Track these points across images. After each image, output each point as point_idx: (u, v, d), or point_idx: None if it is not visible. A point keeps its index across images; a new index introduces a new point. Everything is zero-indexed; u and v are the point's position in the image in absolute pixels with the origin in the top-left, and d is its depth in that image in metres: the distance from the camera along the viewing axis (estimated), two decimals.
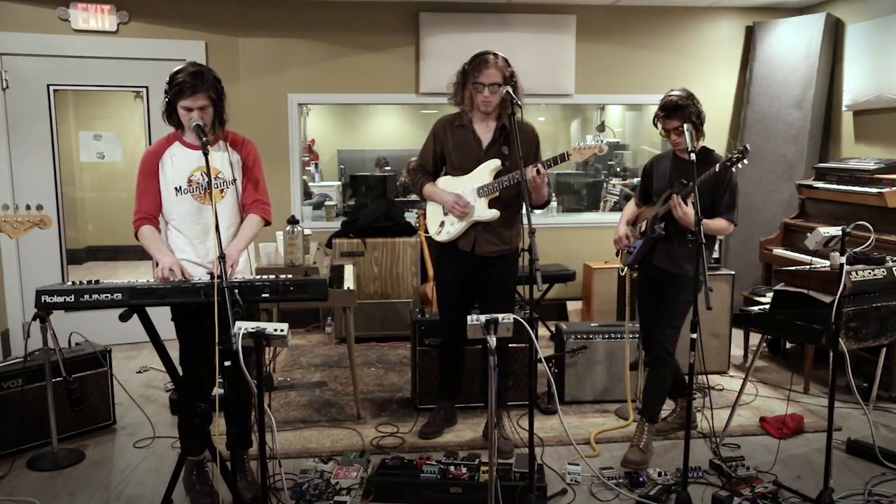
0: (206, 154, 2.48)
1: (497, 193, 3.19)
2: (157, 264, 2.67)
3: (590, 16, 5.55)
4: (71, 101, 5.27)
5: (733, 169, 2.96)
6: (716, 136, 5.49)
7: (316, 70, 5.40)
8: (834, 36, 5.28)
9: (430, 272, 5.25)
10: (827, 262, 3.02)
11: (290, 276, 2.63)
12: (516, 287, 3.62)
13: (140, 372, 4.49)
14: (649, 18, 5.63)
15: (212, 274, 2.38)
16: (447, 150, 3.34)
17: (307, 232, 4.01)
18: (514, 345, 3.48)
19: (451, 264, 3.36)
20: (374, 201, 5.64)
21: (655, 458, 3.30)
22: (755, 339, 4.59)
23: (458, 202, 3.21)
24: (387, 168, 8.23)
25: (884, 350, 3.69)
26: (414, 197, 7.45)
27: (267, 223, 2.91)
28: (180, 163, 2.77)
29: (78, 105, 5.40)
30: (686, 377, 3.23)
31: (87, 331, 3.67)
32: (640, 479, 2.99)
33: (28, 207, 3.06)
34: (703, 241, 2.68)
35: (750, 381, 3.80)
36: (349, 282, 3.84)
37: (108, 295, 2.43)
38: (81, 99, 5.37)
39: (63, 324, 3.72)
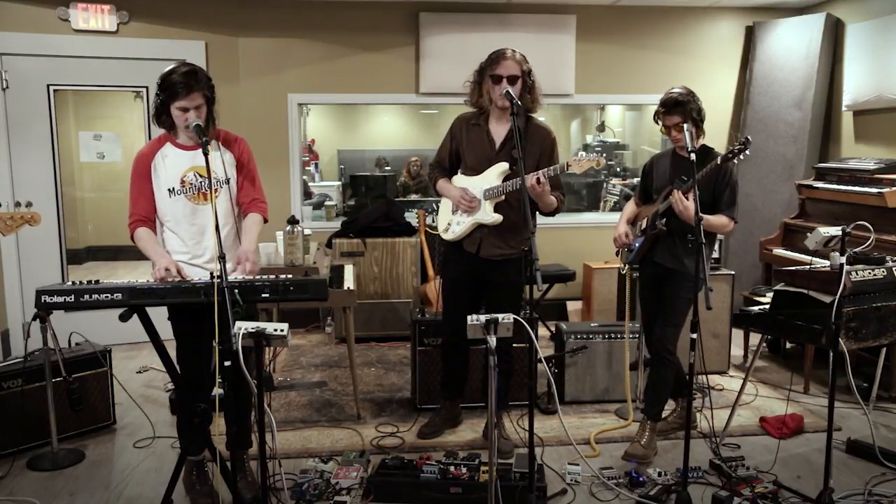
0: (205, 154, 2.47)
1: (503, 197, 3.18)
2: (155, 265, 2.67)
3: (590, 16, 5.55)
4: (71, 101, 5.28)
5: (734, 161, 2.96)
6: (716, 137, 5.49)
7: (316, 70, 5.40)
8: (834, 36, 5.28)
9: (430, 272, 5.25)
10: (827, 262, 3.02)
11: (290, 276, 2.63)
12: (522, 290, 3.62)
13: (140, 372, 4.49)
14: (649, 18, 5.63)
15: (212, 273, 2.38)
16: (462, 149, 3.33)
17: (307, 232, 4.01)
18: (514, 345, 3.47)
19: (456, 264, 3.36)
20: (374, 201, 5.64)
21: (655, 457, 3.30)
22: (755, 339, 4.58)
23: (465, 196, 3.21)
24: (387, 168, 8.24)
25: (884, 350, 3.69)
26: (414, 197, 7.47)
27: (265, 221, 2.91)
28: (173, 164, 2.76)
29: (78, 105, 5.40)
30: (686, 377, 3.24)
31: (87, 331, 3.67)
32: (640, 479, 2.99)
33: (18, 204, 3.05)
34: (703, 240, 2.68)
35: (750, 381, 3.80)
36: (349, 282, 3.84)
37: (108, 295, 2.43)
38: (81, 99, 5.37)
39: (63, 324, 3.72)
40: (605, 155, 3.11)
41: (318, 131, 8.68)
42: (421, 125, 9.10)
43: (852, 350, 3.18)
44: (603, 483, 3.01)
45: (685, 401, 3.11)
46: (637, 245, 3.40)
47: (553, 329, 4.37)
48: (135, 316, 2.52)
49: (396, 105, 7.90)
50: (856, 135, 5.20)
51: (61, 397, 3.36)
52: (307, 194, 6.53)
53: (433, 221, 5.50)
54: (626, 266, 3.55)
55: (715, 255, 4.38)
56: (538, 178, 3.03)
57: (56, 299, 2.40)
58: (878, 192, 4.13)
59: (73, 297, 2.41)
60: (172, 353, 2.78)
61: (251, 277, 2.59)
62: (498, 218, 3.19)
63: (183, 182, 2.76)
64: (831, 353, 2.80)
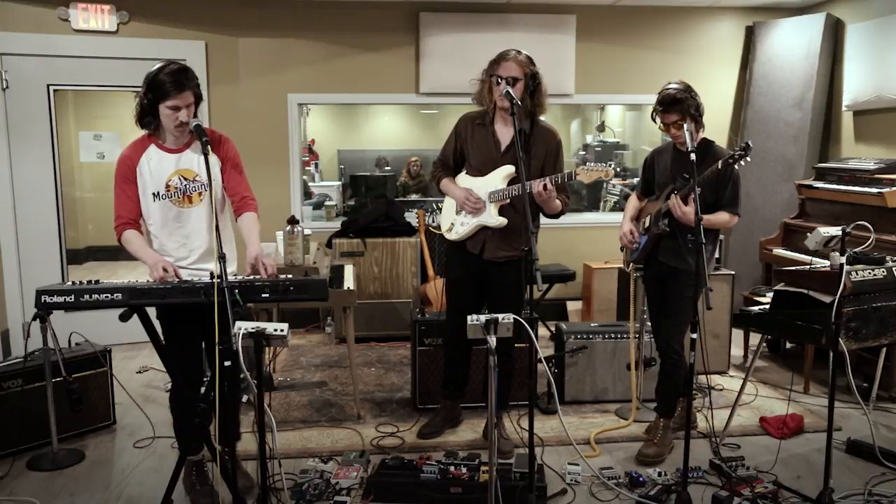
0: (206, 154, 2.47)
1: (507, 200, 3.17)
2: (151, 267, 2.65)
3: (590, 16, 5.55)
4: (71, 101, 5.28)
5: (736, 167, 2.96)
6: (716, 137, 5.45)
7: (316, 70, 5.40)
8: (834, 36, 5.28)
9: (430, 272, 5.25)
10: (827, 262, 3.03)
11: (290, 276, 2.63)
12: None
13: (140, 372, 4.49)
14: (649, 18, 5.63)
15: (212, 273, 2.38)
16: (467, 148, 3.31)
17: (307, 232, 4.01)
18: (515, 345, 3.47)
19: (459, 264, 3.35)
20: (374, 201, 5.64)
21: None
22: (755, 339, 4.58)
23: (470, 197, 3.20)
24: (387, 168, 8.24)
25: (884, 350, 3.69)
26: (414, 197, 7.47)
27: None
28: (157, 167, 2.71)
29: (78, 105, 5.40)
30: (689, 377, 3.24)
31: (87, 331, 3.67)
32: (641, 479, 2.99)
33: None
34: (703, 241, 2.68)
35: (750, 381, 3.81)
36: (349, 282, 3.84)
37: (108, 295, 2.43)
38: (81, 99, 5.37)
39: (63, 324, 3.72)
40: (612, 165, 3.07)
41: (318, 131, 8.68)
42: (421, 125, 9.10)
43: (852, 350, 3.18)
44: (603, 483, 3.01)
45: (685, 401, 3.11)
46: (641, 243, 3.40)
47: (553, 329, 4.37)
48: (135, 316, 2.52)
49: (396, 105, 7.90)
50: (856, 135, 5.20)
51: (61, 397, 3.36)
52: (307, 194, 6.53)
53: (433, 221, 5.50)
54: (630, 264, 3.54)
55: (715, 254, 4.38)
56: (545, 185, 3.01)
57: (56, 299, 2.40)
58: (878, 192, 4.13)
59: (73, 297, 2.41)
60: None
61: (251, 277, 2.59)
62: (503, 221, 3.17)
63: (168, 186, 2.72)
64: (831, 353, 2.80)
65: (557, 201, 3.14)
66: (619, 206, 6.65)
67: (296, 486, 2.90)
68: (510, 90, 2.94)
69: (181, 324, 2.73)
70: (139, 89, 2.74)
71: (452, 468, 2.90)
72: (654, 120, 3.27)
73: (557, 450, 3.37)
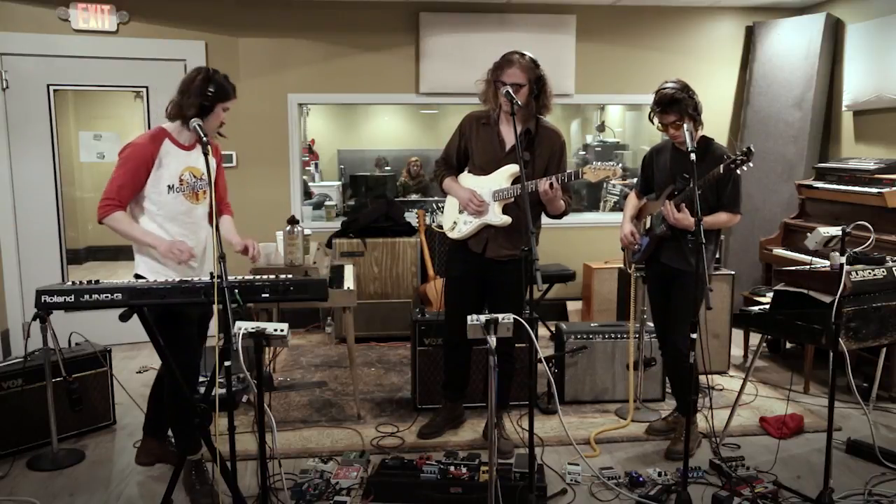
0: (206, 154, 2.53)
1: (512, 199, 3.16)
2: (152, 248, 2.77)
3: (590, 16, 5.55)
4: (71, 101, 5.28)
5: (738, 172, 2.93)
6: (715, 137, 5.46)
7: (316, 70, 5.40)
8: (834, 36, 5.28)
9: (430, 272, 5.25)
10: (827, 262, 3.02)
11: (290, 276, 2.63)
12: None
13: (140, 372, 4.49)
14: (649, 18, 5.63)
15: (212, 273, 2.39)
16: (471, 147, 3.30)
17: (307, 232, 4.00)
18: (515, 345, 3.47)
19: (461, 263, 3.34)
20: (374, 201, 5.64)
21: (655, 457, 3.30)
22: (755, 339, 4.58)
23: (474, 199, 3.19)
24: (387, 168, 8.24)
25: (884, 350, 3.69)
26: (414, 197, 7.47)
27: None
28: (173, 161, 2.81)
29: (78, 105, 5.40)
30: (680, 376, 3.24)
31: (87, 331, 3.67)
32: (641, 479, 2.99)
33: None
34: (703, 241, 2.67)
35: (750, 381, 3.81)
36: (349, 282, 3.85)
37: (108, 295, 2.43)
38: (81, 99, 5.37)
39: (63, 324, 3.72)
40: (621, 165, 3.06)
41: (318, 131, 8.68)
42: (421, 125, 9.09)
43: (852, 350, 3.18)
44: (603, 483, 3.01)
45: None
46: (643, 245, 3.39)
47: (553, 329, 4.37)
48: (135, 316, 2.52)
49: (396, 105, 7.90)
50: (856, 135, 5.20)
51: (61, 397, 3.36)
52: (307, 194, 6.53)
53: (433, 221, 5.50)
54: (632, 266, 3.53)
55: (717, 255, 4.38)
56: (551, 184, 3.01)
57: (56, 299, 2.40)
58: (878, 192, 4.13)
59: (73, 297, 2.41)
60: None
61: (251, 277, 2.60)
62: (507, 220, 3.17)
63: (181, 180, 2.82)
64: (831, 353, 2.80)
65: (561, 201, 3.14)
66: (619, 206, 6.65)
67: (296, 486, 2.90)
68: (510, 90, 2.93)
69: (182, 321, 2.78)
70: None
71: (452, 468, 2.90)
72: (651, 121, 3.25)
73: (557, 450, 3.37)
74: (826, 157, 5.43)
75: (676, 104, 3.06)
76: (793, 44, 5.36)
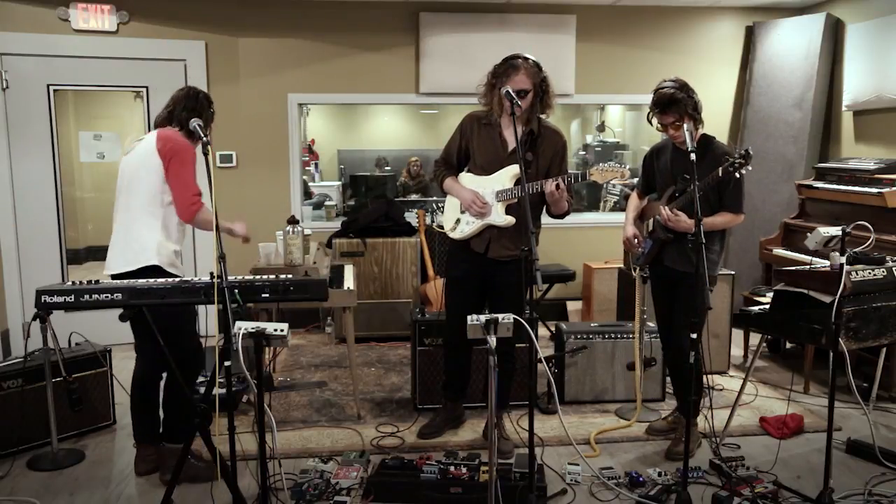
0: (206, 154, 2.52)
1: (515, 200, 3.14)
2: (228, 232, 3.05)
3: (590, 16, 5.55)
4: (71, 101, 5.27)
5: (737, 175, 2.91)
6: (716, 137, 5.49)
7: (316, 70, 5.40)
8: (834, 36, 5.28)
9: (430, 272, 5.25)
10: (827, 262, 3.02)
11: (290, 276, 2.63)
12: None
13: None
14: (649, 18, 5.63)
15: (212, 273, 2.39)
16: (472, 147, 3.29)
17: (307, 232, 4.01)
18: (516, 345, 3.47)
19: (462, 263, 3.33)
20: (375, 201, 5.64)
21: (655, 458, 3.30)
22: (755, 339, 4.59)
23: (477, 201, 3.18)
24: (387, 168, 8.24)
25: (884, 350, 3.69)
26: (414, 197, 7.47)
27: None
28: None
29: (78, 105, 5.40)
30: (684, 378, 3.24)
31: (87, 331, 3.67)
32: (640, 479, 2.99)
33: None
34: (703, 240, 2.67)
35: (750, 381, 3.81)
36: (349, 282, 3.85)
37: (108, 295, 2.43)
38: (81, 99, 5.37)
39: (63, 324, 3.72)
40: (628, 167, 3.04)
41: (318, 131, 8.68)
42: (421, 125, 9.09)
43: (852, 350, 3.18)
44: (603, 483, 3.01)
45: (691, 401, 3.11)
46: (647, 248, 3.36)
47: (553, 329, 4.37)
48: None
49: (396, 105, 7.90)
50: (856, 135, 5.20)
51: (61, 397, 3.36)
52: (307, 194, 6.53)
53: (433, 221, 5.50)
54: (636, 268, 3.52)
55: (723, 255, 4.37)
56: (557, 185, 3.00)
57: (56, 299, 2.41)
58: (878, 192, 4.13)
59: (73, 297, 2.41)
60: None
61: (251, 277, 2.60)
62: (511, 220, 3.16)
63: None
64: (831, 353, 2.80)
65: (565, 202, 3.14)
66: (619, 206, 6.65)
67: (296, 486, 2.90)
68: (510, 90, 2.93)
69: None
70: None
71: (452, 468, 2.90)
72: (650, 122, 3.22)
73: (557, 450, 3.37)
74: (826, 157, 5.43)
75: (675, 104, 3.03)
76: (793, 44, 5.36)
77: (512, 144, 3.18)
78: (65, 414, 3.41)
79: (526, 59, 3.09)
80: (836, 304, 2.74)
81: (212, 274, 2.40)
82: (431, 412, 3.67)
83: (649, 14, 5.62)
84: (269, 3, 5.26)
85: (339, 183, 7.76)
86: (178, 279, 2.59)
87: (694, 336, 2.74)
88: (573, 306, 5.71)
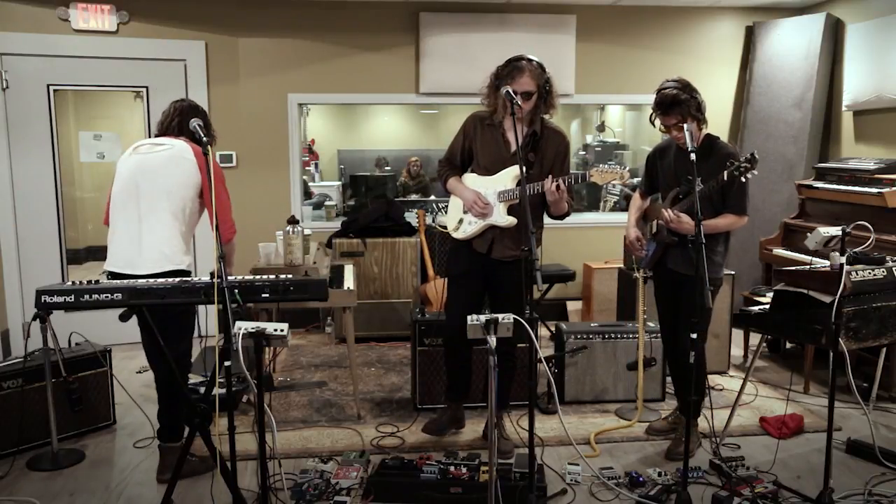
0: (206, 154, 2.52)
1: (517, 200, 3.14)
2: None
3: (590, 16, 5.55)
4: (71, 101, 5.27)
5: (742, 179, 2.89)
6: None
7: (316, 70, 5.40)
8: (834, 36, 5.28)
9: (430, 272, 5.25)
10: (827, 262, 3.02)
11: (290, 276, 2.63)
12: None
13: (140, 372, 4.49)
14: (649, 18, 5.63)
15: (212, 273, 2.39)
16: (475, 147, 3.28)
17: (307, 232, 4.01)
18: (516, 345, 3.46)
19: (464, 261, 3.32)
20: (375, 201, 5.64)
21: (655, 458, 3.30)
22: (755, 339, 4.59)
23: (478, 201, 3.17)
24: (387, 168, 8.25)
25: (884, 350, 3.69)
26: (414, 197, 7.48)
27: None
28: None
29: (78, 105, 5.40)
30: (684, 377, 3.24)
31: (87, 331, 3.67)
32: (641, 479, 2.99)
33: None
34: (703, 241, 2.66)
35: (750, 381, 3.81)
36: (349, 282, 3.85)
37: (108, 295, 2.43)
38: (81, 99, 5.37)
39: (63, 324, 3.72)
40: (628, 168, 3.03)
41: (318, 131, 8.69)
42: (421, 125, 9.11)
43: (852, 350, 3.18)
44: (603, 483, 3.01)
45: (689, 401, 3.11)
46: (650, 251, 3.35)
47: (553, 329, 4.37)
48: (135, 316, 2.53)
49: (396, 105, 7.90)
50: (856, 135, 5.20)
51: (61, 397, 3.36)
52: (307, 194, 6.53)
53: (433, 221, 5.50)
54: (640, 270, 3.51)
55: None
56: (558, 185, 3.00)
57: (56, 299, 2.40)
58: (878, 192, 4.13)
59: (73, 297, 2.41)
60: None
61: (251, 277, 2.60)
62: (512, 220, 3.15)
63: None
64: (831, 353, 2.80)
65: (565, 202, 3.13)
66: (619, 207, 6.65)
67: (296, 486, 2.90)
68: (510, 90, 2.92)
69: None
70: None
71: (452, 468, 2.91)
72: (652, 123, 3.19)
73: (557, 450, 3.37)
74: (826, 157, 5.43)
75: (678, 105, 3.01)
76: (793, 44, 5.36)
77: (514, 145, 3.18)
78: (65, 414, 3.41)
79: (530, 60, 3.08)
80: (836, 304, 2.74)
81: (212, 274, 2.40)
82: (431, 412, 3.67)
83: (649, 14, 5.62)
84: (269, 3, 5.27)
85: (339, 183, 7.77)
86: (178, 279, 2.58)
87: (694, 336, 2.74)
88: (573, 306, 5.71)
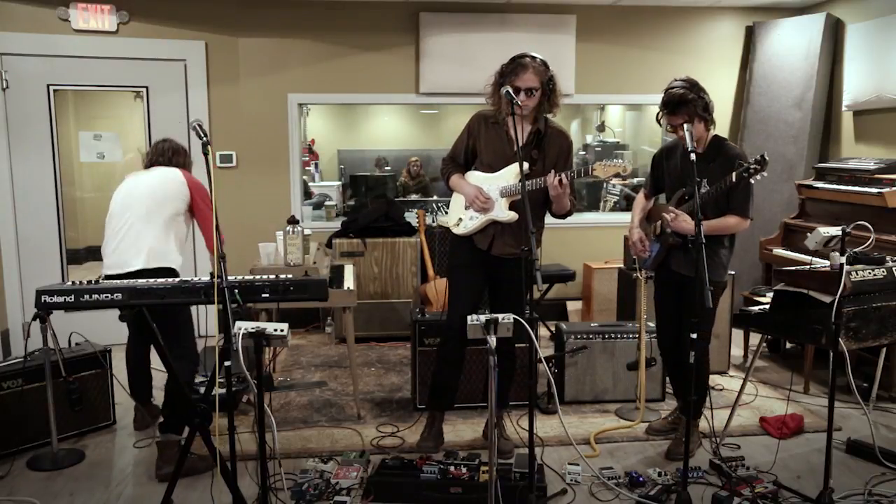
0: (206, 154, 2.50)
1: (519, 196, 3.14)
2: None
3: (590, 16, 5.55)
4: (71, 101, 5.27)
5: (751, 181, 2.87)
6: None
7: (316, 70, 5.40)
8: (834, 36, 5.28)
9: (430, 272, 5.25)
10: (827, 262, 3.02)
11: (290, 276, 2.63)
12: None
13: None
14: (649, 18, 5.63)
15: (212, 273, 2.39)
16: (479, 146, 3.29)
17: (307, 232, 4.01)
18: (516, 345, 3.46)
19: (465, 254, 3.30)
20: (375, 201, 5.64)
21: (655, 458, 3.30)
22: (755, 339, 4.59)
23: (479, 196, 3.17)
24: (387, 168, 8.25)
25: (884, 350, 3.69)
26: (414, 197, 7.48)
27: None
28: None
29: (78, 105, 5.40)
30: (686, 378, 3.24)
31: (87, 331, 3.67)
32: (641, 479, 2.99)
33: None
34: (703, 240, 2.65)
35: (750, 381, 3.81)
36: (349, 282, 3.85)
37: (108, 295, 2.43)
38: (81, 99, 5.37)
39: (63, 324, 3.72)
40: (630, 161, 3.04)
41: (318, 131, 8.68)
42: (421, 125, 9.10)
43: (852, 350, 3.18)
44: (603, 483, 3.01)
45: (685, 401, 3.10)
46: (653, 252, 3.34)
47: (553, 329, 4.37)
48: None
49: (396, 105, 7.90)
50: (856, 135, 5.20)
51: (61, 397, 3.36)
52: (307, 194, 6.53)
53: (433, 221, 5.50)
54: (642, 271, 3.50)
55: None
56: (560, 179, 3.00)
57: (56, 299, 2.40)
58: (878, 192, 4.13)
59: (73, 297, 2.41)
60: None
61: (251, 277, 2.60)
62: (513, 216, 3.15)
63: None
64: (831, 353, 2.80)
65: (567, 200, 3.13)
66: (619, 207, 6.65)
67: (296, 486, 2.90)
68: (510, 90, 2.92)
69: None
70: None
71: (452, 468, 2.91)
72: (659, 122, 3.18)
73: (557, 450, 3.37)
74: (826, 157, 5.43)
75: (685, 105, 2.98)
76: (793, 44, 5.36)
77: (520, 142, 3.18)
78: (65, 414, 3.41)
79: (534, 57, 3.09)
80: (836, 304, 2.74)
81: (212, 274, 2.40)
82: (424, 426, 3.51)
83: (649, 14, 5.62)
84: (269, 3, 5.27)
85: (339, 183, 7.77)
86: (178, 279, 2.59)
87: (694, 336, 2.73)
88: (573, 306, 5.71)
